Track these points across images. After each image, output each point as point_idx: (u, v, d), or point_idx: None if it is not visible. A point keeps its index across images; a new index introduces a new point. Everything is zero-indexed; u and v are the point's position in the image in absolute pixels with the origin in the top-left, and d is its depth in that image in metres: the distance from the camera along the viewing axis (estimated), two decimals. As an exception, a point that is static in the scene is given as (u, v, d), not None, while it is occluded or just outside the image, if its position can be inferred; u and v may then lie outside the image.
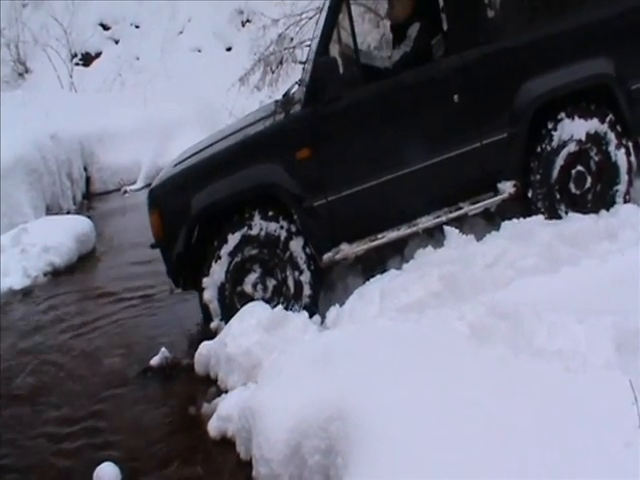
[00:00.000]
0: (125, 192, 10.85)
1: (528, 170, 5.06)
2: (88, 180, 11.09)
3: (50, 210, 9.32)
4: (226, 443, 3.86)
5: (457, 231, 4.87)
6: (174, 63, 13.32)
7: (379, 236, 4.97)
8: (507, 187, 5.03)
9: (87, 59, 14.86)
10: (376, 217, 5.00)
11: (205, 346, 4.68)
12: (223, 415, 3.96)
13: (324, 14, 4.98)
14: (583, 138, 5.04)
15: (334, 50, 5.18)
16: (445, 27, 5.10)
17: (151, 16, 14.15)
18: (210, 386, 4.53)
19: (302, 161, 4.83)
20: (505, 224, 4.90)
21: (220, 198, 4.81)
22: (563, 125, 5.02)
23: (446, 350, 3.16)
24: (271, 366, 3.69)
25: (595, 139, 5.06)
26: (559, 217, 5.04)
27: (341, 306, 4.51)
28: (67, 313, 6.27)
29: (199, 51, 14.01)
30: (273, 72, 10.47)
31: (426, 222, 4.99)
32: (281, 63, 10.66)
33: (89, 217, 8.79)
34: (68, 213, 9.58)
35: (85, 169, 11.03)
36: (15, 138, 8.54)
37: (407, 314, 3.81)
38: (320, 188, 4.87)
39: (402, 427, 2.64)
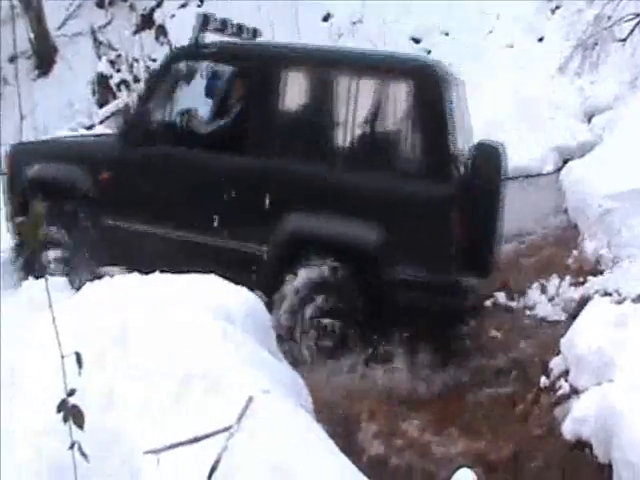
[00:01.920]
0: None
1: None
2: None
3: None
4: (582, 445, 3.72)
5: None
6: (486, 64, 13.22)
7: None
8: None
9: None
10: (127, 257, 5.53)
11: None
12: (578, 417, 3.81)
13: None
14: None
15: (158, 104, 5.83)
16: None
17: (459, 21, 14.23)
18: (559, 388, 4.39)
19: (102, 181, 5.68)
20: None
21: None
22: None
23: None
24: (628, 364, 3.49)
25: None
26: None
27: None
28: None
29: (511, 47, 13.80)
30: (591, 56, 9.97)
31: None
32: (596, 44, 10.10)
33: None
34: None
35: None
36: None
37: None
38: (103, 210, 5.67)
39: None
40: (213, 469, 2.37)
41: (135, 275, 4.05)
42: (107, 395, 2.82)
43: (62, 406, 2.18)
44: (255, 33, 6.62)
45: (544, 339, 5.46)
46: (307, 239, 5.22)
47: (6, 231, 6.12)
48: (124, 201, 5.71)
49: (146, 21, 16.39)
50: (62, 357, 2.21)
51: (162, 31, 15.60)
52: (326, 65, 5.56)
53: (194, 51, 5.88)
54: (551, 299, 6.30)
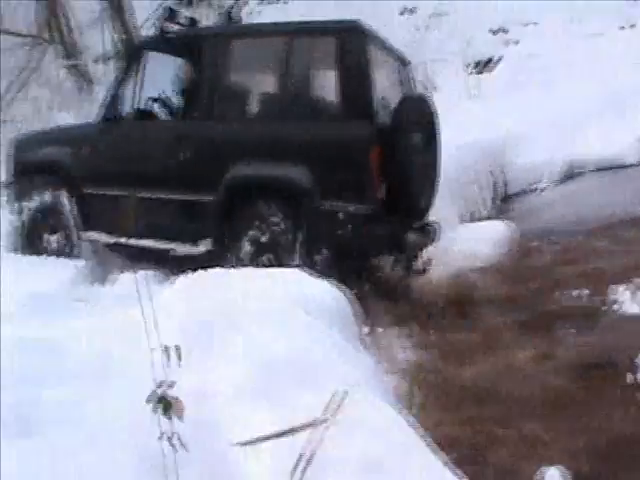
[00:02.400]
0: (540, 190, 10.72)
1: None
2: (495, 184, 11.19)
3: (465, 217, 9.58)
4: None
5: None
6: (573, 54, 12.88)
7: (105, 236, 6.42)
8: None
9: (483, 66, 15.14)
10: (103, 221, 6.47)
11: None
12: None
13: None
14: None
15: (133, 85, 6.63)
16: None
17: (545, 11, 13.90)
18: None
19: (82, 155, 6.65)
20: None
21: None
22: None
23: None
24: None
25: None
26: None
27: None
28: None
29: (599, 35, 13.39)
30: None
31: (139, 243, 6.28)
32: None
33: (507, 220, 8.85)
34: (488, 219, 9.71)
35: (492, 173, 11.15)
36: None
37: None
38: (83, 180, 6.59)
39: None
40: (304, 462, 2.38)
41: (222, 269, 4.12)
42: (198, 387, 2.86)
43: (160, 398, 2.23)
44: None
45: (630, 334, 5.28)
46: (247, 182, 5.94)
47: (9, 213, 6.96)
48: (99, 171, 6.61)
49: (228, 19, 16.59)
50: (163, 348, 2.28)
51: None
52: (261, 35, 6.54)
53: (159, 40, 6.73)
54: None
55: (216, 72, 6.28)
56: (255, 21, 15.94)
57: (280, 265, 5.50)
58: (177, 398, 2.30)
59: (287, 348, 2.90)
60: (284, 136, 5.87)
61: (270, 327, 3.03)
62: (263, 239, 5.86)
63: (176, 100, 7.08)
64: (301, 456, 2.45)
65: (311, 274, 3.95)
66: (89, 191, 6.61)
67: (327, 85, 6.05)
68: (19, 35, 16.16)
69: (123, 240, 6.35)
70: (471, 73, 14.88)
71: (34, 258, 6.41)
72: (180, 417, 2.29)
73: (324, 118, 5.97)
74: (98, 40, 15.20)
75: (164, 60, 7.08)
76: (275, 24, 7.53)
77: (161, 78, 7.18)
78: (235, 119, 6.26)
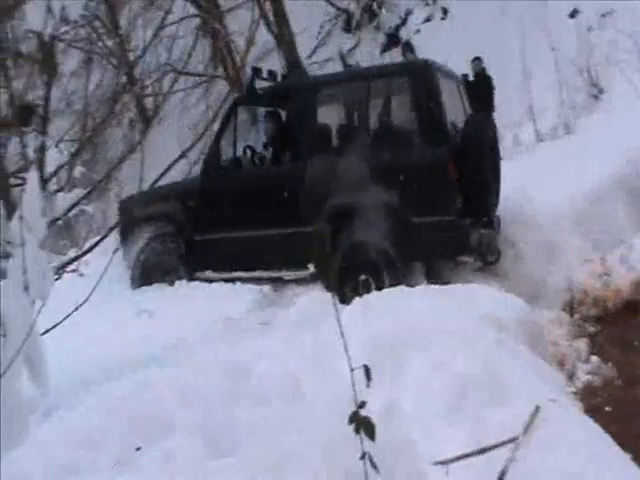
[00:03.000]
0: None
1: None
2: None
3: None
4: None
5: None
6: None
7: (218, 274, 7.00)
8: None
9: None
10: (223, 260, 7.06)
11: None
12: None
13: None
14: None
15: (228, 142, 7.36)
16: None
17: None
18: None
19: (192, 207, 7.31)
20: None
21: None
22: None
23: None
24: None
25: None
26: None
27: None
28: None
29: None
30: None
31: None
32: None
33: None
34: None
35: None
36: (607, 159, 8.56)
37: None
38: (195, 228, 7.21)
39: None
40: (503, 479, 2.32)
41: (397, 289, 4.12)
42: (387, 405, 2.87)
43: (354, 417, 2.24)
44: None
45: None
46: (344, 209, 6.46)
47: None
48: (207, 219, 7.25)
49: (392, 39, 16.78)
50: (353, 368, 2.29)
51: (409, 47, 15.82)
52: (342, 82, 7.45)
53: (250, 96, 7.47)
54: None
55: (306, 119, 7.02)
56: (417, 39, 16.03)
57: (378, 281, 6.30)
58: (368, 418, 2.31)
59: (479, 366, 2.84)
60: (372, 166, 6.36)
61: (459, 345, 2.99)
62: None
63: (268, 147, 7.61)
64: (503, 473, 2.39)
65: (488, 288, 3.88)
66: (200, 237, 7.24)
67: (406, 120, 6.79)
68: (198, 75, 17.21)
69: (236, 274, 6.92)
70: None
71: (221, 285, 6.75)
72: (373, 437, 2.29)
73: (407, 148, 6.59)
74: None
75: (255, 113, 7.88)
76: (353, 70, 8.35)
77: (252, 129, 8.10)
78: (326, 157, 6.75)
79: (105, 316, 5.87)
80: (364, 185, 6.39)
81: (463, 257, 6.63)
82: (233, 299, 6.20)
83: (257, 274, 6.87)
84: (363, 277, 6.48)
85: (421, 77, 6.66)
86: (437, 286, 4.68)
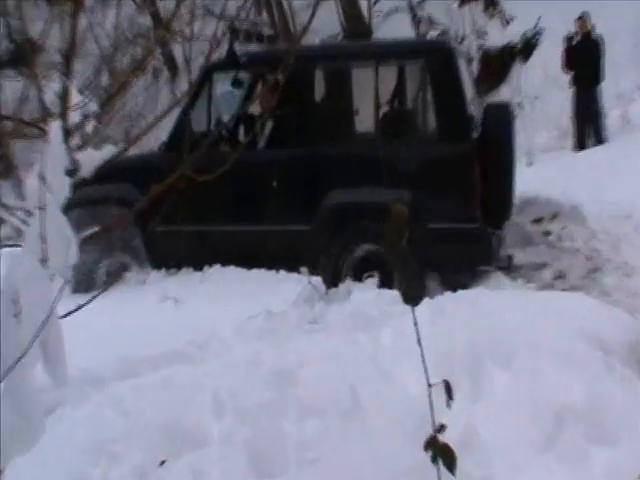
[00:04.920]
0: None
1: None
2: None
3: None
4: None
5: None
6: None
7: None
8: None
9: None
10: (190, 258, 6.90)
11: None
12: None
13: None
14: None
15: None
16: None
17: None
18: None
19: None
20: None
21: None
22: None
23: None
24: None
25: None
26: None
27: None
28: None
29: None
30: None
31: None
32: None
33: None
34: None
35: None
36: None
37: None
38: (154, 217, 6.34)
39: None
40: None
41: (474, 290, 4.06)
42: (464, 432, 2.79)
43: (431, 443, 2.17)
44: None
45: None
46: (350, 209, 6.51)
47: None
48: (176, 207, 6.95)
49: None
50: (429, 385, 2.21)
51: (491, 2, 15.61)
52: (350, 57, 7.21)
53: (229, 61, 7.10)
54: None
55: (307, 96, 6.88)
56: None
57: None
58: (448, 445, 2.24)
59: (581, 394, 2.76)
60: (383, 162, 6.32)
61: (556, 366, 2.90)
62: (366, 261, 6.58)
63: (247, 125, 7.42)
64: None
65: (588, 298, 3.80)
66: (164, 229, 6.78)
67: (423, 108, 6.86)
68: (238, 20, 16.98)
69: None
70: None
71: (261, 272, 6.61)
72: (452, 470, 2.22)
73: (423, 141, 6.71)
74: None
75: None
76: (362, 43, 8.32)
77: (231, 102, 7.73)
78: (328, 145, 6.71)
79: (122, 301, 5.86)
80: (369, 182, 6.41)
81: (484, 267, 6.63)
82: (275, 290, 6.06)
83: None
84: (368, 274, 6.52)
85: (441, 61, 6.56)
86: (522, 291, 4.58)
